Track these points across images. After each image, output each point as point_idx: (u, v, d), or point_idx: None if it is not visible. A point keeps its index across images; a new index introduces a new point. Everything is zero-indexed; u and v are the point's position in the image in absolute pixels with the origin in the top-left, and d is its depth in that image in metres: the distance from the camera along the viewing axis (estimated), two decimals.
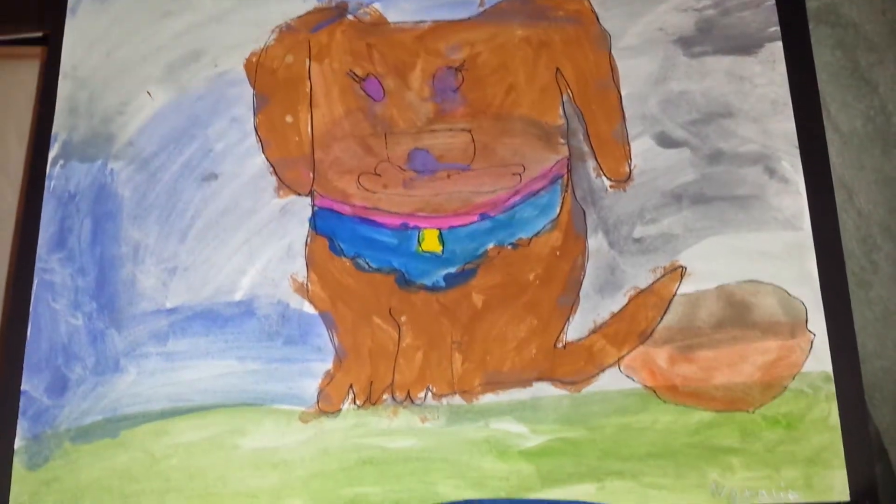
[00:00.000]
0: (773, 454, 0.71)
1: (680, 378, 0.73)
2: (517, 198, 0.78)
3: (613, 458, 0.72)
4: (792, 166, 0.78)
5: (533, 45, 0.82)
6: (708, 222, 0.77)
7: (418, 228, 0.78)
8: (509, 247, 0.77)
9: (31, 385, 0.77)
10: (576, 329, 0.75)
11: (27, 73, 0.88)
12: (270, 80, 0.83)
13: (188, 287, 0.79)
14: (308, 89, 0.82)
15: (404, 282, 0.77)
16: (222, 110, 0.83)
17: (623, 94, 0.80)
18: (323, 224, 0.79)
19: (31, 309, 0.79)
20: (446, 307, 0.76)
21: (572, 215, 0.78)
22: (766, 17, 0.82)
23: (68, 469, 0.75)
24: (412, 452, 0.73)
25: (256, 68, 0.83)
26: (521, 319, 0.76)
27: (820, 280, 0.75)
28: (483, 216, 0.78)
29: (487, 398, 0.74)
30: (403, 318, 0.76)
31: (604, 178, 0.79)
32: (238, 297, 0.78)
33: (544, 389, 0.74)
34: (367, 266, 0.77)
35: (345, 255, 0.78)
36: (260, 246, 0.79)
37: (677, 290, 0.75)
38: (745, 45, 0.81)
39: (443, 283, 0.77)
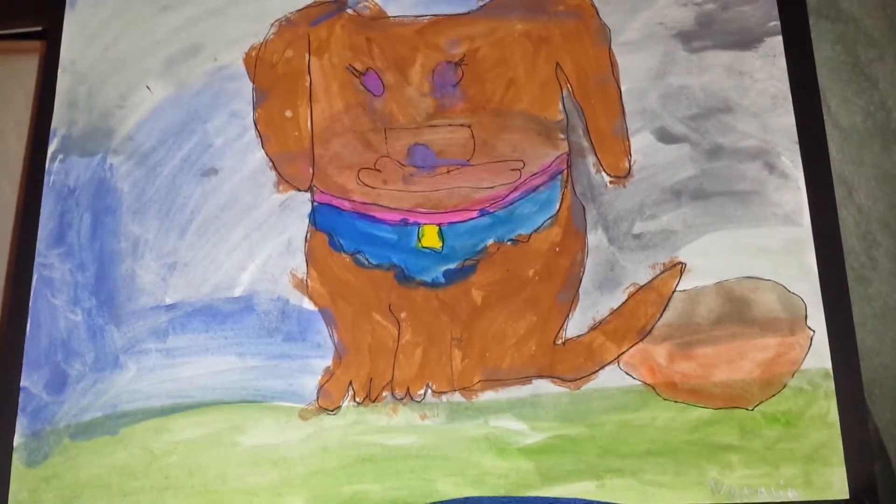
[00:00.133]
0: (773, 451, 0.71)
1: (679, 375, 0.73)
2: (517, 193, 0.78)
3: (613, 455, 0.72)
4: (792, 162, 0.78)
5: (533, 39, 0.81)
6: (707, 218, 0.77)
7: (418, 224, 0.78)
8: (509, 243, 0.77)
9: (31, 381, 0.77)
10: (575, 326, 0.75)
11: (26, 68, 0.87)
12: (270, 75, 0.83)
13: (188, 283, 0.79)
14: (308, 84, 0.82)
15: (404, 278, 0.77)
16: (222, 105, 0.83)
17: (623, 88, 0.80)
18: (322, 220, 0.79)
19: (30, 304, 0.79)
20: (446, 303, 0.76)
21: (572, 211, 0.78)
22: (765, 11, 0.82)
23: (68, 466, 0.75)
24: (412, 450, 0.73)
25: (256, 63, 0.83)
26: (521, 316, 0.76)
27: (819, 276, 0.75)
28: (483, 212, 0.78)
29: (487, 395, 0.74)
30: (403, 315, 0.76)
31: (603, 173, 0.79)
32: (238, 292, 0.78)
33: (544, 386, 0.74)
34: (366, 262, 0.77)
35: (344, 251, 0.78)
36: (259, 241, 0.79)
37: (677, 286, 0.75)
38: (745, 40, 0.81)
39: (442, 280, 0.77)
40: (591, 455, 0.72)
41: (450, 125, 0.79)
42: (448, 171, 0.78)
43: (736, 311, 0.74)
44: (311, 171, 0.80)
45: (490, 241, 0.77)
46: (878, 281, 0.78)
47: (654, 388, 0.73)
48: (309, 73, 0.82)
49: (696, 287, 0.75)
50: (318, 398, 0.75)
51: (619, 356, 0.74)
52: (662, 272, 0.76)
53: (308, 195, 0.80)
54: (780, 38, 0.81)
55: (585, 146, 0.79)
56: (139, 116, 0.83)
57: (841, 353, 0.73)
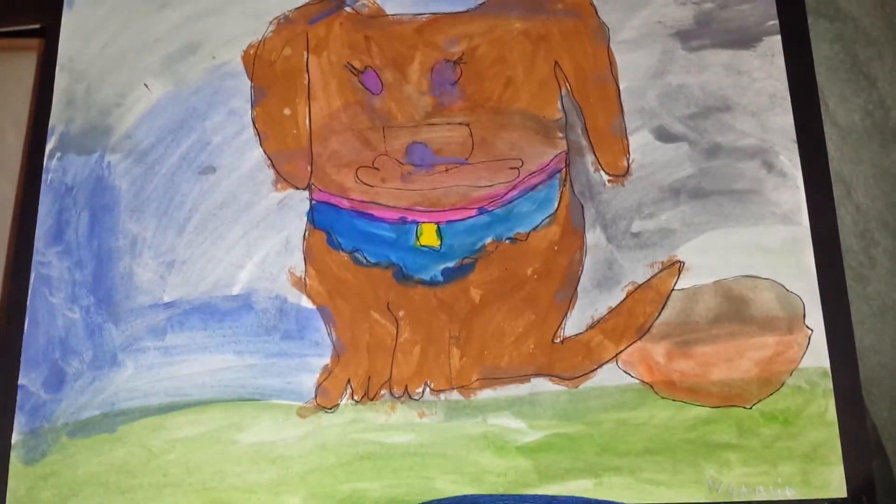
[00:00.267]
0: (771, 450, 0.71)
1: (677, 373, 0.73)
2: (515, 192, 0.78)
3: (611, 453, 0.72)
4: (790, 161, 0.78)
5: (531, 38, 0.81)
6: (706, 217, 0.77)
7: (416, 223, 0.78)
8: (507, 241, 0.77)
9: (29, 379, 0.77)
10: (573, 324, 0.75)
11: (24, 66, 0.87)
12: (268, 73, 0.83)
13: (186, 281, 0.79)
14: (306, 82, 0.82)
15: (402, 276, 0.77)
16: (220, 103, 0.83)
17: (621, 87, 0.80)
18: (321, 218, 0.79)
19: (28, 302, 0.79)
20: (444, 302, 0.76)
21: (570, 210, 0.78)
22: (764, 10, 0.82)
23: (65, 464, 0.75)
24: (410, 448, 0.73)
25: (254, 60, 0.83)
26: (519, 314, 0.76)
27: (818, 275, 0.75)
28: (481, 210, 0.78)
29: (485, 394, 0.74)
30: (401, 313, 0.76)
31: (602, 172, 0.79)
32: (236, 291, 0.78)
33: (542, 385, 0.74)
34: (364, 260, 0.77)
35: (343, 250, 0.78)
36: (258, 240, 0.79)
37: (675, 285, 0.75)
38: (744, 39, 0.81)
39: (441, 278, 0.77)
40: (589, 453, 0.72)
41: (448, 123, 0.79)
42: (446, 170, 0.78)
43: (734, 309, 0.74)
44: (309, 169, 0.80)
45: (488, 240, 0.77)
46: (876, 280, 0.78)
47: (652, 387, 0.73)
48: (307, 71, 0.82)
49: (695, 286, 0.75)
50: (316, 396, 0.75)
51: (617, 355, 0.74)
52: (661, 271, 0.76)
53: (306, 193, 0.80)
54: (778, 37, 0.81)
55: (584, 145, 0.79)
56: (137, 114, 0.83)
57: (839, 352, 0.73)
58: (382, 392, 0.75)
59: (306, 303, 0.77)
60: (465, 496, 0.71)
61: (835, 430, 0.71)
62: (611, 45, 0.81)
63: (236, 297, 0.78)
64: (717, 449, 0.72)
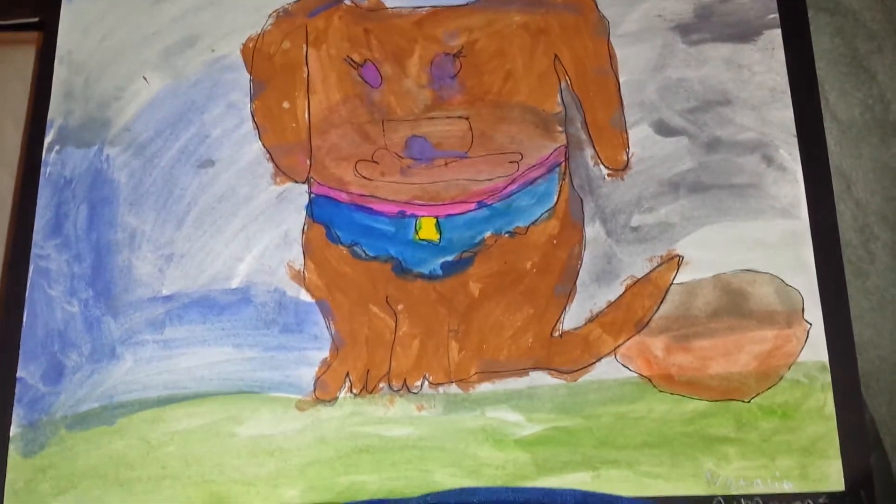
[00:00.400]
0: (769, 444, 0.71)
1: (676, 367, 0.73)
2: (514, 186, 0.78)
3: (609, 446, 0.72)
4: (790, 155, 0.78)
5: (531, 31, 0.81)
6: (705, 211, 0.77)
7: (415, 216, 0.78)
8: (506, 235, 0.77)
9: (27, 372, 0.77)
10: (572, 318, 0.75)
11: (23, 59, 0.87)
12: (267, 66, 0.83)
13: (184, 274, 0.79)
14: (305, 75, 0.82)
15: (401, 270, 0.77)
16: (219, 96, 0.83)
17: (621, 81, 0.80)
18: (320, 211, 0.79)
19: (27, 295, 0.79)
20: (443, 295, 0.76)
21: (570, 204, 0.78)
22: (764, 4, 0.82)
23: (64, 456, 0.75)
24: (409, 441, 0.73)
25: (253, 54, 0.83)
26: (518, 308, 0.76)
27: (817, 269, 0.75)
28: (480, 204, 0.78)
29: (484, 387, 0.74)
30: (400, 307, 0.76)
31: (601, 166, 0.78)
32: (234, 284, 0.78)
33: (540, 378, 0.74)
34: (363, 254, 0.77)
35: (341, 243, 0.78)
36: (256, 233, 0.79)
37: (674, 279, 0.75)
38: (744, 33, 0.81)
39: (440, 272, 0.77)
40: (587, 447, 0.72)
41: (448, 117, 0.79)
42: (446, 164, 0.78)
43: (733, 303, 0.74)
44: (308, 162, 0.80)
45: (488, 234, 0.77)
46: (875, 274, 0.78)
47: (650, 381, 0.73)
48: (307, 64, 0.82)
49: (694, 280, 0.75)
50: (315, 389, 0.75)
51: (615, 348, 0.74)
52: (660, 265, 0.76)
53: (305, 187, 0.79)
54: (778, 31, 0.81)
55: (583, 139, 0.79)
56: (136, 107, 0.83)
57: (838, 346, 0.73)
58: (381, 385, 0.75)
59: (305, 296, 0.77)
60: (464, 489, 0.71)
61: (833, 424, 0.71)
62: (611, 39, 0.81)
63: (235, 291, 0.78)
64: (716, 442, 0.72)
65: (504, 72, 0.80)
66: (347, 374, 0.75)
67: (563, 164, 0.78)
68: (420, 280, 0.77)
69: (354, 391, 0.75)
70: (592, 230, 0.77)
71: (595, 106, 0.80)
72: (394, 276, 0.77)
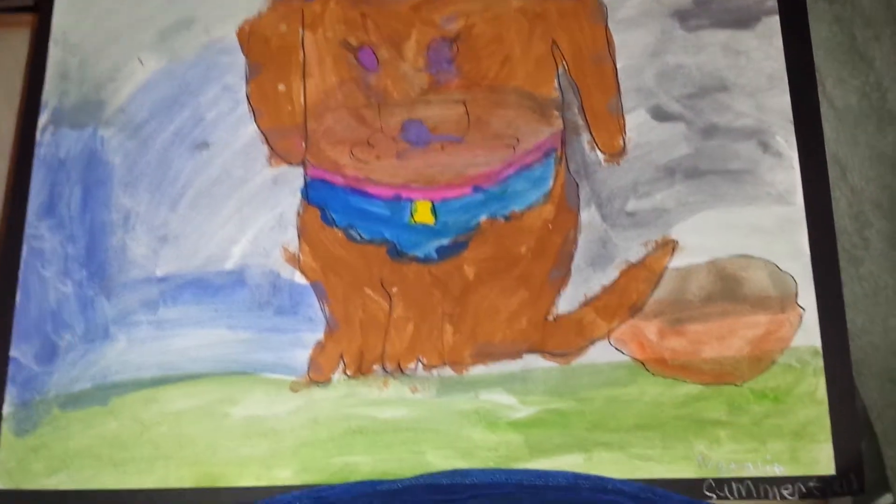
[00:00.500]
0: (760, 427, 0.71)
1: (669, 351, 0.73)
2: (510, 170, 0.78)
3: (601, 429, 0.72)
4: (786, 141, 0.78)
5: (528, 16, 0.81)
6: (701, 196, 0.77)
7: (411, 200, 0.77)
8: (502, 219, 0.77)
9: (20, 351, 0.77)
10: (567, 302, 0.75)
11: (17, 41, 0.87)
12: (263, 49, 0.82)
13: (179, 255, 0.79)
14: (301, 58, 0.82)
15: (396, 253, 0.77)
16: (214, 78, 0.83)
17: (618, 66, 0.80)
18: (315, 194, 0.79)
19: (20, 276, 0.79)
20: (438, 279, 0.76)
21: (565, 188, 0.78)
22: None
23: (57, 436, 0.75)
24: (402, 423, 0.73)
25: (249, 36, 0.83)
26: (513, 292, 0.76)
27: (811, 255, 0.75)
28: (476, 188, 0.77)
29: (478, 370, 0.74)
30: (395, 290, 0.76)
31: (598, 151, 0.78)
32: (229, 266, 0.78)
33: (534, 361, 0.74)
34: (358, 237, 0.77)
35: (337, 226, 0.78)
36: (251, 215, 0.79)
37: (668, 264, 0.75)
38: (742, 19, 0.81)
39: (435, 255, 0.77)
40: (579, 429, 0.72)
41: (444, 101, 0.79)
42: (442, 148, 0.78)
43: (727, 288, 0.74)
44: (303, 145, 0.80)
45: (483, 218, 0.77)
46: (869, 261, 0.78)
47: (643, 364, 0.73)
48: (303, 47, 0.82)
49: (688, 265, 0.75)
50: (308, 371, 0.75)
51: (609, 332, 0.74)
52: (655, 250, 0.76)
53: (300, 170, 0.79)
54: (777, 18, 0.80)
55: (580, 124, 0.79)
56: (131, 89, 0.83)
57: (831, 332, 0.73)
58: (375, 367, 0.75)
59: (300, 278, 0.77)
60: (457, 470, 0.71)
61: (824, 408, 0.71)
62: (608, 24, 0.81)
63: (230, 273, 0.78)
64: (708, 426, 0.72)
65: (501, 56, 0.80)
66: (341, 356, 0.75)
67: (560, 148, 0.78)
68: (415, 263, 0.77)
69: (348, 373, 0.75)
70: (588, 215, 0.77)
71: (592, 91, 0.79)
72: (389, 260, 0.77)
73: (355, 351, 0.75)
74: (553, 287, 0.76)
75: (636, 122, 0.79)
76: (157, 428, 0.75)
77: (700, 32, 0.81)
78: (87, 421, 0.75)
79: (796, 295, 0.74)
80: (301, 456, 0.73)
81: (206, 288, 0.77)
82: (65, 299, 0.78)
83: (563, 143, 0.79)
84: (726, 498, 0.70)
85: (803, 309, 0.74)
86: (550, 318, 0.75)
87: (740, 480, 0.70)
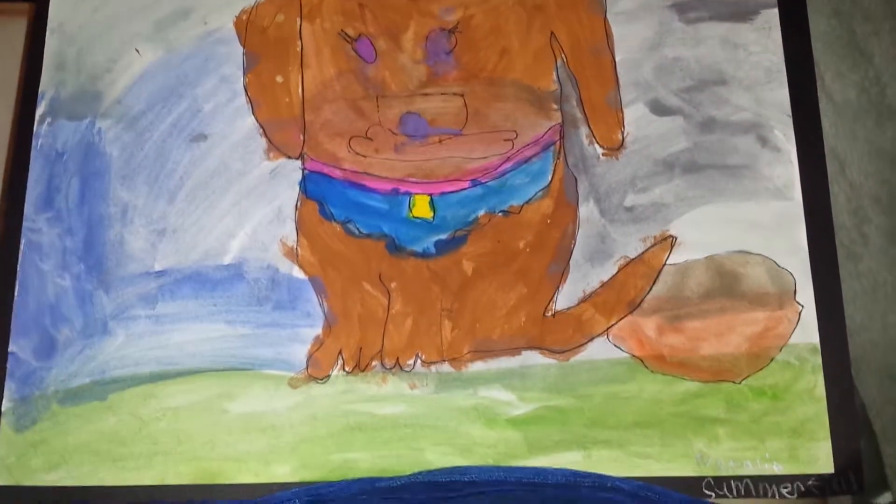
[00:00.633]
0: (759, 425, 0.72)
1: (667, 348, 0.74)
2: (509, 164, 0.78)
3: (600, 426, 0.72)
4: (784, 136, 0.78)
5: (527, 8, 0.81)
6: (699, 191, 0.77)
7: (409, 194, 0.77)
8: (500, 214, 0.77)
9: (19, 346, 0.77)
10: (565, 298, 0.75)
11: (14, 31, 0.86)
12: (261, 39, 0.82)
13: (177, 249, 0.78)
14: (299, 49, 0.81)
15: (395, 248, 0.77)
16: (211, 69, 0.82)
17: (617, 59, 0.80)
18: (313, 188, 0.78)
19: (18, 269, 0.79)
20: (436, 274, 0.76)
21: (564, 183, 0.77)
22: None
23: (56, 431, 0.75)
24: (401, 419, 0.74)
25: (246, 27, 0.82)
26: (511, 287, 0.76)
27: (809, 251, 0.75)
28: (474, 182, 0.77)
29: (476, 366, 0.74)
30: (393, 285, 0.76)
31: (596, 145, 0.78)
32: (227, 260, 0.78)
33: (533, 358, 0.74)
34: (357, 231, 0.77)
35: (335, 220, 0.78)
36: (249, 209, 0.79)
37: (667, 259, 0.75)
38: (741, 12, 0.80)
39: (433, 250, 0.76)
40: (578, 426, 0.73)
41: (443, 94, 0.79)
42: (440, 141, 0.78)
43: (725, 284, 0.75)
44: (301, 138, 0.79)
45: (481, 212, 0.77)
46: (867, 257, 0.78)
47: (642, 361, 0.74)
48: (300, 38, 0.81)
49: (687, 261, 0.75)
50: (307, 367, 0.75)
51: (608, 328, 0.74)
52: (653, 245, 0.76)
53: (299, 163, 0.79)
54: (775, 11, 0.80)
55: (579, 117, 0.79)
56: (128, 80, 0.83)
57: (829, 329, 0.73)
58: (374, 363, 0.75)
59: (298, 273, 0.77)
60: (455, 467, 0.71)
61: (823, 406, 0.72)
62: (607, 17, 0.81)
63: (228, 267, 0.78)
64: (706, 423, 0.72)
65: (500, 48, 0.80)
66: (340, 352, 0.75)
67: (558, 142, 0.78)
68: (413, 258, 0.77)
69: (347, 369, 0.75)
70: (586, 210, 0.77)
71: (590, 84, 0.79)
72: (387, 254, 0.77)
73: (354, 347, 0.75)
74: (552, 282, 0.76)
75: (634, 115, 0.79)
76: (155, 423, 0.75)
77: (698, 25, 0.80)
78: (85, 416, 0.75)
79: (795, 292, 0.74)
80: (300, 452, 0.73)
81: (205, 282, 0.77)
82: (63, 293, 0.78)
83: (562, 136, 0.78)
84: (725, 496, 0.71)
85: (802, 306, 0.74)
86: (549, 313, 0.75)
87: (739, 478, 0.71)
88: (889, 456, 0.74)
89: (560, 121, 0.79)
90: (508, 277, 0.76)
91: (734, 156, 0.77)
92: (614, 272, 0.76)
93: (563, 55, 0.80)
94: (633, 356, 0.74)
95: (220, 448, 0.74)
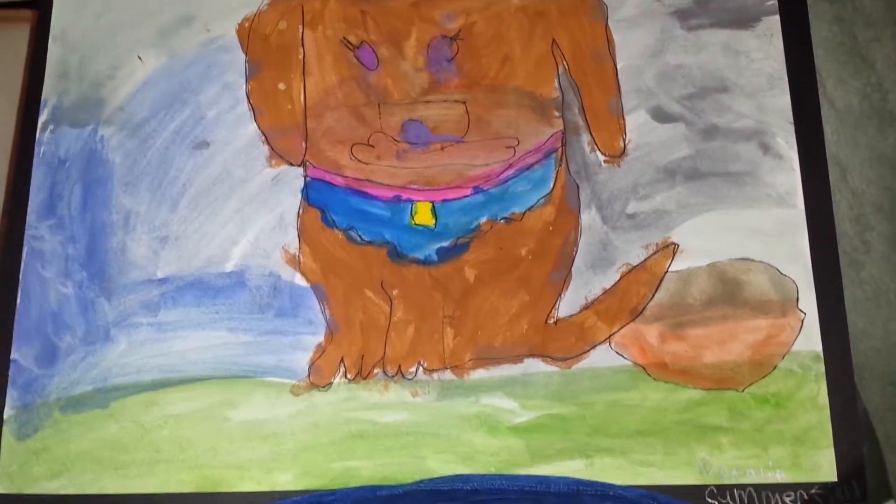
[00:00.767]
0: (762, 433, 0.72)
1: (670, 355, 0.73)
2: (511, 171, 0.78)
3: (603, 434, 0.72)
4: (786, 143, 0.78)
5: (529, 15, 0.81)
6: (701, 198, 0.77)
7: (411, 201, 0.77)
8: (502, 221, 0.77)
9: (21, 354, 0.77)
10: (567, 305, 0.75)
11: (17, 37, 0.86)
12: (263, 47, 0.82)
13: (179, 256, 0.78)
14: (301, 56, 0.81)
15: (396, 255, 0.77)
16: (214, 76, 0.82)
17: (619, 66, 0.80)
18: (315, 195, 0.78)
19: (20, 276, 0.79)
20: (438, 281, 0.76)
21: (566, 190, 0.77)
22: None
23: (58, 439, 0.75)
24: (403, 427, 0.74)
25: (249, 34, 0.83)
26: (513, 295, 0.76)
27: (812, 259, 0.75)
28: (476, 189, 0.77)
29: (478, 373, 0.74)
30: (395, 292, 0.76)
31: (598, 152, 0.78)
32: (229, 267, 0.78)
33: (535, 365, 0.74)
34: (359, 238, 0.77)
35: (337, 227, 0.78)
36: (252, 216, 0.79)
37: (669, 267, 0.75)
38: (743, 19, 0.80)
39: (435, 257, 0.76)
40: (580, 434, 0.72)
41: (444, 101, 0.79)
42: (442, 148, 0.78)
43: (728, 292, 0.74)
44: (303, 145, 0.79)
45: (483, 219, 0.77)
46: (870, 264, 0.78)
47: (644, 369, 0.73)
48: (302, 45, 0.81)
49: (689, 268, 0.75)
50: (309, 374, 0.75)
51: (610, 336, 0.74)
52: (655, 252, 0.76)
53: (301, 170, 0.79)
54: (777, 17, 0.80)
55: (580, 124, 0.79)
56: (131, 87, 0.83)
57: (832, 336, 0.73)
58: (376, 371, 0.75)
59: (300, 280, 0.77)
60: (457, 475, 0.71)
61: (826, 414, 0.72)
62: (609, 23, 0.81)
63: (230, 274, 0.78)
64: (709, 431, 0.72)
65: (501, 55, 0.80)
66: (342, 360, 0.75)
67: (560, 149, 0.78)
68: (415, 265, 0.77)
69: (349, 376, 0.75)
70: (588, 217, 0.77)
71: (592, 91, 0.79)
72: (389, 261, 0.77)
73: (356, 354, 0.75)
74: (554, 289, 0.76)
75: (636, 122, 0.79)
76: (157, 431, 0.75)
77: (700, 32, 0.80)
78: (87, 424, 0.75)
79: (797, 299, 0.74)
80: (301, 460, 0.73)
81: (207, 290, 0.77)
82: (65, 300, 0.78)
83: (564, 143, 0.78)
84: None
85: (804, 313, 0.74)
86: (551, 321, 0.75)
87: (742, 487, 0.71)
88: (892, 464, 0.73)
89: (562, 128, 0.79)
90: (510, 285, 0.76)
91: (736, 163, 0.77)
92: (616, 279, 0.75)
93: (564, 62, 0.80)
94: (636, 364, 0.74)
95: (221, 456, 0.74)
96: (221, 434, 0.74)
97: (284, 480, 0.73)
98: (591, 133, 0.78)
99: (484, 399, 0.74)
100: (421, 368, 0.75)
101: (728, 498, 0.70)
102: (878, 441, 0.74)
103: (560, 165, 0.78)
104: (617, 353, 0.74)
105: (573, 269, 0.76)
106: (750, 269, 0.75)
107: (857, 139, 0.81)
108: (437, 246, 0.77)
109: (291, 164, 0.79)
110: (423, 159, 0.78)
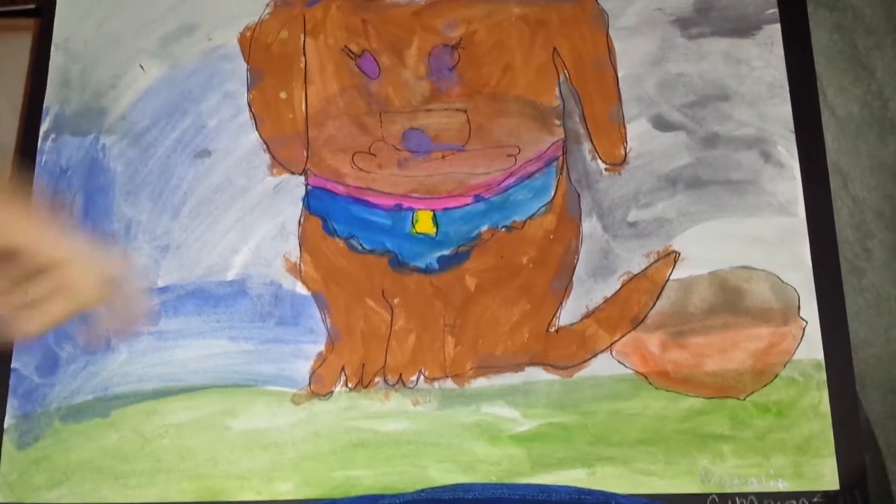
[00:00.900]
0: (764, 442, 0.71)
1: (671, 364, 0.73)
2: (512, 180, 0.78)
3: (604, 443, 0.72)
4: (787, 151, 0.77)
5: (530, 23, 0.81)
6: (702, 207, 0.77)
7: (412, 209, 0.77)
8: (503, 229, 0.77)
9: (22, 363, 0.77)
10: (568, 313, 0.75)
11: (19, 46, 0.87)
12: (264, 56, 0.82)
13: (180, 265, 0.78)
14: (303, 65, 0.81)
15: (398, 263, 0.77)
16: (216, 85, 0.83)
17: (620, 75, 0.80)
18: (317, 203, 0.78)
19: None
20: (439, 290, 0.76)
21: (567, 198, 0.77)
22: None
23: (58, 448, 0.75)
24: (404, 436, 0.73)
25: (250, 43, 0.83)
26: (514, 303, 0.76)
27: (813, 267, 0.75)
28: (477, 198, 0.77)
29: (479, 382, 0.74)
30: (396, 301, 0.76)
31: (599, 160, 0.78)
32: (230, 276, 0.78)
33: (536, 374, 0.74)
34: (360, 247, 0.77)
35: (338, 236, 0.78)
36: (253, 224, 0.79)
37: (670, 275, 0.75)
38: (743, 27, 0.81)
39: (436, 266, 0.76)
40: (582, 443, 0.72)
41: (445, 109, 0.79)
42: (443, 157, 0.78)
43: (729, 300, 0.74)
44: (305, 154, 0.79)
45: (484, 228, 0.77)
46: (871, 272, 0.78)
47: (646, 377, 0.73)
48: (304, 54, 0.81)
49: (690, 276, 0.75)
50: (310, 383, 0.75)
51: (611, 344, 0.74)
52: (656, 261, 0.76)
53: (302, 178, 0.79)
54: (778, 26, 0.80)
55: (581, 132, 0.79)
56: (132, 96, 0.83)
57: (833, 344, 0.73)
58: (377, 380, 0.75)
59: (301, 289, 0.77)
60: (459, 485, 0.71)
61: (828, 422, 0.71)
62: (610, 32, 0.81)
63: (231, 283, 0.78)
64: (711, 440, 0.72)
65: (502, 64, 0.80)
66: (343, 368, 0.75)
67: (561, 158, 0.78)
68: (416, 274, 0.77)
69: (350, 385, 0.75)
70: (589, 225, 0.77)
71: (593, 99, 0.79)
72: (390, 270, 0.77)
73: (357, 363, 0.75)
74: (555, 298, 0.76)
75: (637, 131, 0.79)
76: (158, 440, 0.75)
77: (701, 41, 0.81)
78: (88, 433, 0.75)
79: (798, 307, 0.74)
80: (302, 469, 0.73)
81: (208, 299, 0.77)
82: None
83: (565, 152, 0.78)
84: None
85: (805, 321, 0.73)
86: (552, 329, 0.75)
87: (744, 496, 0.70)
88: (895, 472, 0.73)
89: (563, 136, 0.79)
90: (511, 293, 0.76)
91: (737, 171, 0.77)
92: (617, 288, 0.75)
93: (565, 71, 0.80)
94: (637, 372, 0.73)
95: (222, 465, 0.74)
96: (222, 443, 0.74)
97: (285, 490, 0.73)
98: (592, 141, 0.78)
99: (485, 408, 0.74)
100: (422, 377, 0.75)
101: None
102: (881, 449, 0.74)
103: (561, 174, 0.78)
104: (618, 361, 0.74)
105: (574, 277, 0.76)
106: (751, 277, 0.75)
107: (857, 147, 0.81)
108: (438, 254, 0.77)
109: (293, 173, 0.79)
110: (425, 168, 0.78)
